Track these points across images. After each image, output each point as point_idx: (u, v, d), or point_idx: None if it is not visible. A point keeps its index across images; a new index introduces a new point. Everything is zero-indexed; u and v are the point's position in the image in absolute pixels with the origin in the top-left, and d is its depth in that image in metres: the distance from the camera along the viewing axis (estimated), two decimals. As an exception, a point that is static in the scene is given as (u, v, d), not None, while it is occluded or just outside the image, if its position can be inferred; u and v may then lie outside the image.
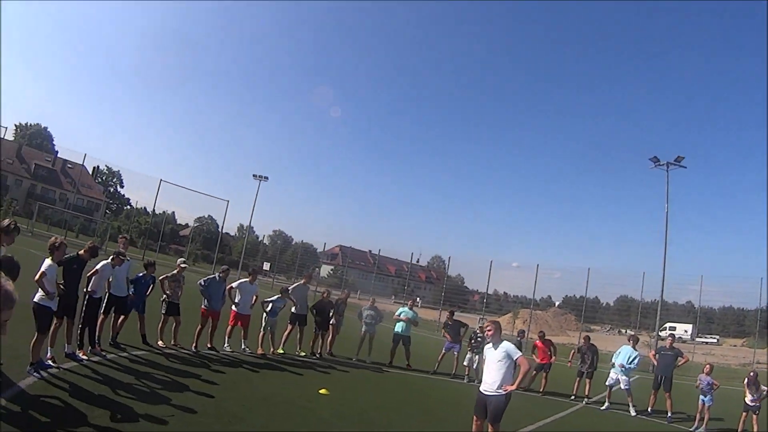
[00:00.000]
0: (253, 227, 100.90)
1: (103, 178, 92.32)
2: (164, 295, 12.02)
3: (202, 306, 12.54)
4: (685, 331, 48.50)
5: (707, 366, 13.77)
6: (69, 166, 76.61)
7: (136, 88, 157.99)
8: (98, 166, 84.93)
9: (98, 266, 9.82)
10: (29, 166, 71.94)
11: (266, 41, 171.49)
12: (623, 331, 44.57)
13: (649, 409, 14.12)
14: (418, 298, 17.30)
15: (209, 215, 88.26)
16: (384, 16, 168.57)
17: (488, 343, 7.88)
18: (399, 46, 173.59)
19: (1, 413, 5.84)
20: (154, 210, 55.50)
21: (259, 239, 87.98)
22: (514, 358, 7.46)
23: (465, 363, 15.26)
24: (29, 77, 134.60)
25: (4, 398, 6.32)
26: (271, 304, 13.66)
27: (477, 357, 14.68)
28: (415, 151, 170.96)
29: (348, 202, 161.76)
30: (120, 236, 12.03)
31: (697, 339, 46.52)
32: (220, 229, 62.19)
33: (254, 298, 13.33)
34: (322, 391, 10.42)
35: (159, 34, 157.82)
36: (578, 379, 15.07)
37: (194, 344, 12.06)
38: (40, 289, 7.89)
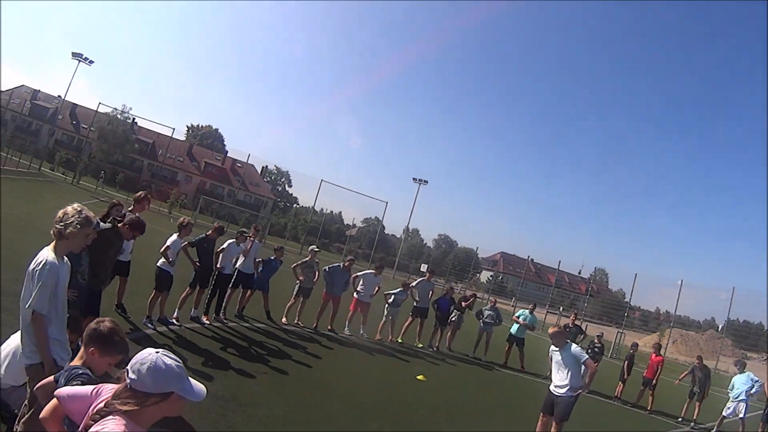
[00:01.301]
0: (418, 231, 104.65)
1: (272, 177, 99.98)
2: (297, 280, 13.25)
3: (324, 290, 13.57)
4: None
5: None
6: (238, 165, 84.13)
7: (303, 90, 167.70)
8: (266, 166, 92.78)
9: (225, 245, 11.25)
10: (199, 164, 79.51)
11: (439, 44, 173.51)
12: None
13: None
14: (535, 305, 16.97)
15: (376, 217, 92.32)
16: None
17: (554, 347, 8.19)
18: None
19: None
20: (313, 208, 58.85)
21: (424, 242, 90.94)
22: (582, 361, 7.80)
23: None
24: (204, 81, 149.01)
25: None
26: (393, 296, 14.43)
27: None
28: (585, 163, 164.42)
29: (516, 210, 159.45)
30: (253, 226, 13.41)
31: None
32: (378, 231, 64.23)
33: (376, 288, 14.23)
34: (420, 377, 10.97)
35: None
36: (688, 401, 14.33)
37: (315, 324, 13.17)
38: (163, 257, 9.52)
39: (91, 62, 54.71)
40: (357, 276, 14.10)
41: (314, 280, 13.46)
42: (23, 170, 38.11)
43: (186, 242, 10.12)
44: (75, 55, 53.83)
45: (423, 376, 11.09)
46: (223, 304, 11.44)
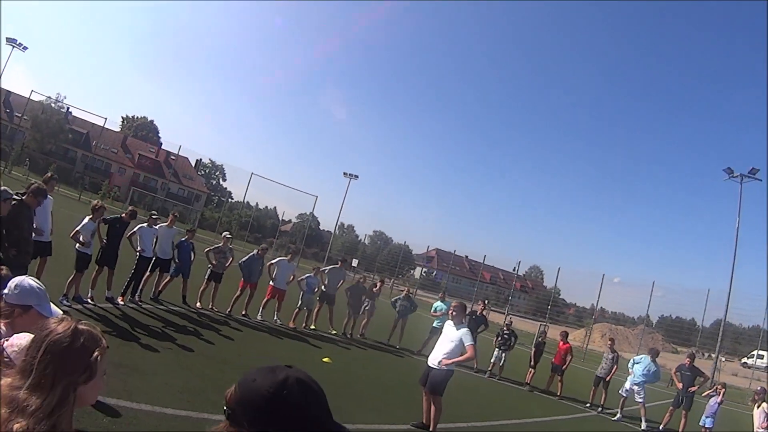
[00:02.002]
0: (353, 227, 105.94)
1: (206, 171, 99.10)
2: (209, 264, 13.84)
3: (241, 279, 14.23)
4: None
5: (720, 387, 13.79)
6: (172, 157, 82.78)
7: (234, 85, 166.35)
8: (201, 159, 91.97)
9: (135, 228, 11.81)
10: (133, 156, 78.30)
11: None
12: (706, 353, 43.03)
13: (661, 427, 14.12)
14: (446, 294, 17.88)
15: (311, 213, 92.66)
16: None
17: (450, 321, 8.63)
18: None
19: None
20: (245, 202, 58.86)
21: (359, 238, 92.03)
22: (465, 344, 8.18)
23: (491, 359, 15.98)
24: (137, 73, 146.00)
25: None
26: (305, 280, 15.14)
27: (504, 354, 15.65)
28: (521, 160, 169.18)
29: (453, 208, 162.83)
30: (171, 212, 13.92)
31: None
32: (307, 226, 64.74)
33: (291, 276, 14.98)
34: (326, 359, 11.70)
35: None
36: (594, 388, 15.22)
37: (229, 309, 13.75)
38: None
39: (25, 48, 53.41)
40: (272, 263, 14.79)
41: (226, 265, 14.03)
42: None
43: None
44: (9, 40, 52.42)
45: (329, 359, 11.76)
46: (140, 287, 12.00)
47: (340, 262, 16.90)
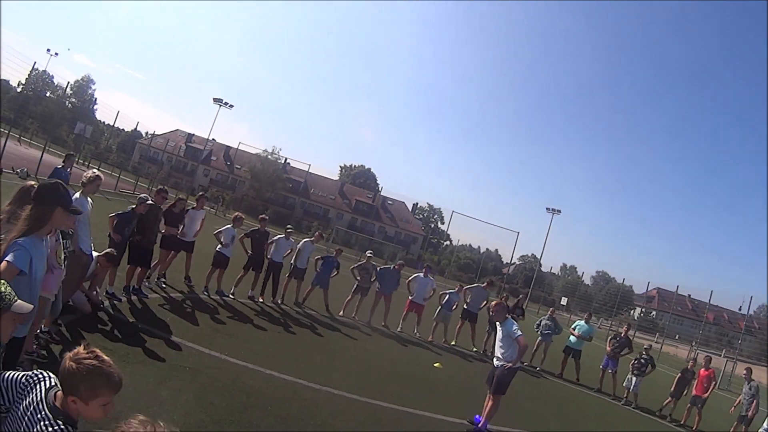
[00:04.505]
0: (575, 267, 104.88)
1: (424, 214, 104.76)
2: (355, 280, 15.86)
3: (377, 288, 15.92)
4: None
5: None
6: (389, 202, 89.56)
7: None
8: (417, 203, 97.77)
9: (275, 238, 14.26)
10: (350, 202, 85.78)
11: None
12: None
13: None
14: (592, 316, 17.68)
15: (532, 254, 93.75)
16: None
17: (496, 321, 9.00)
18: None
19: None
20: (449, 241, 60.60)
21: (581, 278, 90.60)
22: (513, 337, 8.51)
23: (623, 384, 15.23)
24: (356, 124, 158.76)
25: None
26: (447, 296, 16.53)
27: (636, 379, 14.84)
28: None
29: (675, 240, 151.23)
30: (317, 231, 16.16)
31: None
32: (529, 266, 65.02)
33: (431, 291, 16.46)
34: (436, 364, 12.61)
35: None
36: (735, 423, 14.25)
37: (369, 319, 15.33)
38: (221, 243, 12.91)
39: (231, 106, 63.10)
40: (410, 280, 16.24)
41: (371, 280, 15.79)
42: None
43: (242, 234, 13.42)
44: (216, 100, 62.32)
45: (439, 364, 12.60)
46: (279, 291, 14.21)
47: (486, 283, 17.62)
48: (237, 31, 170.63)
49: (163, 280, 12.12)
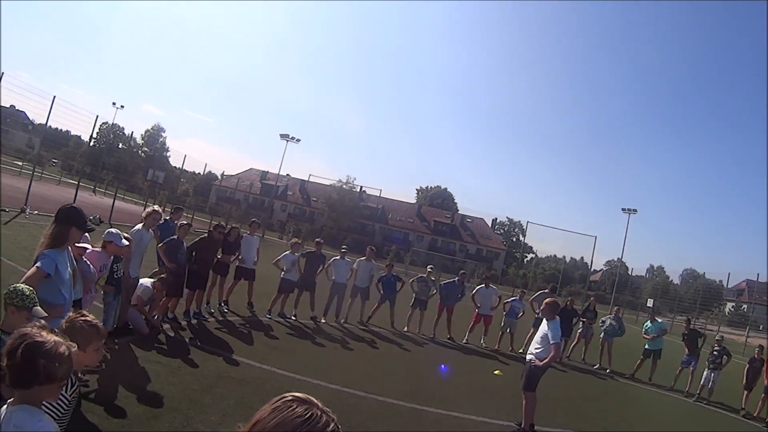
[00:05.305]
0: (663, 267, 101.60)
1: (504, 229, 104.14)
2: (414, 293, 16.27)
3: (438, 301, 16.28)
4: None
5: None
6: (468, 220, 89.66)
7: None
8: (497, 218, 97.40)
9: (331, 260, 14.84)
10: (429, 223, 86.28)
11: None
12: None
13: None
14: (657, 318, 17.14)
15: (618, 258, 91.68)
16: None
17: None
18: None
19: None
20: (522, 251, 60.26)
21: (669, 279, 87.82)
22: (550, 342, 8.59)
23: (701, 381, 14.70)
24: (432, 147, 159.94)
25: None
26: (510, 304, 16.69)
27: (713, 375, 14.40)
28: None
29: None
30: (369, 247, 16.69)
31: None
32: (617, 272, 63.46)
33: (497, 300, 16.60)
34: (497, 372, 12.74)
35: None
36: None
37: (433, 333, 15.71)
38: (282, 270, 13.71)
39: (298, 141, 65.33)
40: (474, 293, 16.52)
41: (429, 293, 16.11)
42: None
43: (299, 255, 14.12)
44: (283, 135, 64.90)
45: (500, 371, 12.73)
46: (342, 311, 14.81)
47: (549, 289, 17.53)
48: (297, 65, 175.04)
49: (226, 307, 12.84)
